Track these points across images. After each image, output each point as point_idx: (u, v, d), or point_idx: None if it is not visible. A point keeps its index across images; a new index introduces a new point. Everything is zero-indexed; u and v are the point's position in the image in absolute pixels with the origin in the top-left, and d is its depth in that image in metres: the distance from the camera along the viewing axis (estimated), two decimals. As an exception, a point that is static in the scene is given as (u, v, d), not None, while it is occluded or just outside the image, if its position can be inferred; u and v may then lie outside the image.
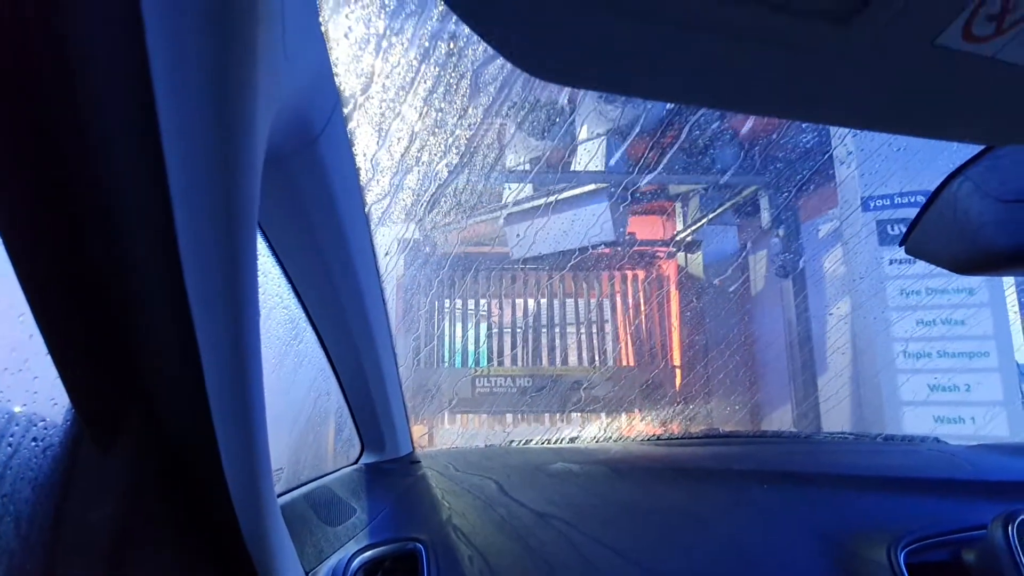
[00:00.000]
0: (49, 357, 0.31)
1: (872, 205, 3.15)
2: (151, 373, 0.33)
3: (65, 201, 0.27)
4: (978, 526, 0.69)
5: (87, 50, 0.23)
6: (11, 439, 0.31)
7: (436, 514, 0.73)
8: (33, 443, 0.31)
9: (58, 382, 0.31)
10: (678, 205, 4.68)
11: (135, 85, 0.23)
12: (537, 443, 1.11)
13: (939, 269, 0.51)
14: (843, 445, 1.25)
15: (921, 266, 3.04)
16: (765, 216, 3.86)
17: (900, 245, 0.54)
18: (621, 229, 3.75)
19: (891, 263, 3.09)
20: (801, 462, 1.00)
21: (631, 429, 3.77)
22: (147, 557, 0.37)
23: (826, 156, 3.36)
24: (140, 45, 0.22)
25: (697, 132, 3.97)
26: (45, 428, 0.32)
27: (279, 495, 0.56)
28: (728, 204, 4.10)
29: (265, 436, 0.41)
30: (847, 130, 3.12)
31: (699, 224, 4.27)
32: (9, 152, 0.25)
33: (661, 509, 0.75)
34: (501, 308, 4.34)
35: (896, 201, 3.13)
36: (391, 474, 0.86)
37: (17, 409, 0.32)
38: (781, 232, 3.81)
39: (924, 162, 2.85)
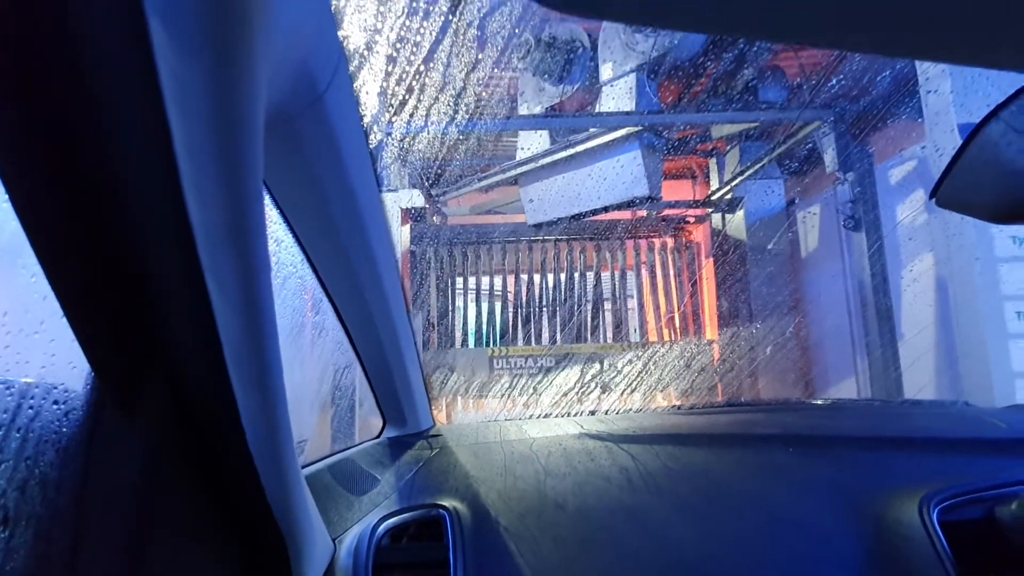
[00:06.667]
0: (65, 320, 0.33)
1: (972, 135, 2.88)
2: (167, 337, 0.36)
3: (70, 163, 0.29)
4: (1013, 483, 0.72)
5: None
6: (32, 401, 0.34)
7: (459, 482, 0.78)
8: (55, 406, 0.35)
9: (75, 345, 0.34)
10: (713, 161, 4.54)
11: (131, 29, 0.25)
12: (557, 415, 1.18)
13: None
14: (868, 410, 1.32)
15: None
16: (829, 159, 3.69)
17: (930, 198, 0.53)
18: (656, 181, 3.65)
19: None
20: (827, 426, 1.04)
21: (654, 402, 3.85)
22: (172, 524, 0.41)
23: (908, 78, 3.09)
24: None
25: (748, 62, 3.81)
26: (65, 391, 0.35)
27: (303, 467, 0.60)
28: (777, 152, 3.91)
29: (285, 403, 0.44)
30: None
31: (740, 178, 4.09)
32: (16, 114, 0.27)
33: (683, 472, 0.80)
34: (517, 283, 4.33)
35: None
36: (413, 446, 0.92)
37: (36, 372, 0.35)
38: (850, 177, 3.65)
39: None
